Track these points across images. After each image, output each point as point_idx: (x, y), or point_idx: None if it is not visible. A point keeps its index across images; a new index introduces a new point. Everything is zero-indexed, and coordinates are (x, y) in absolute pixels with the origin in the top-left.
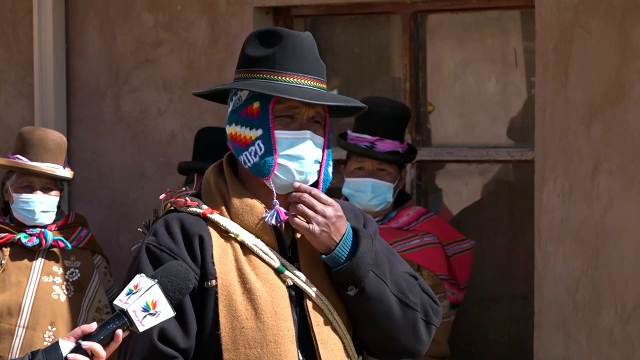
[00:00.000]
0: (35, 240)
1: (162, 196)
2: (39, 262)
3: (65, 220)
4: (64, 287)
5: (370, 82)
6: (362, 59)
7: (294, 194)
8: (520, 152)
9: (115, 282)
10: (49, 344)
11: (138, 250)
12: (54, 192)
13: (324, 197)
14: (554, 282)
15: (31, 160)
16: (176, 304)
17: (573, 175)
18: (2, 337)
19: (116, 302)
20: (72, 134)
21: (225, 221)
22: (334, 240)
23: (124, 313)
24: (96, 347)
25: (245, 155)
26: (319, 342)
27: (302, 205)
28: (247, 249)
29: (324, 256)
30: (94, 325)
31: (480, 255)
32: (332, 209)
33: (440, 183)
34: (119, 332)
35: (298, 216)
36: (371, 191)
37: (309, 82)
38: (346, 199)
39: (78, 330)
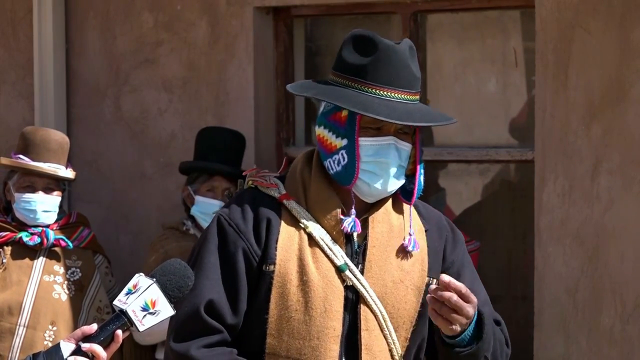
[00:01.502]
0: (37, 239)
1: (246, 172)
2: (40, 261)
3: (67, 220)
4: (65, 286)
5: None
6: None
7: (443, 293)
8: (520, 152)
9: (117, 282)
10: (49, 343)
11: (212, 219)
12: (55, 192)
13: (468, 293)
14: (554, 282)
15: (33, 160)
16: (175, 302)
17: (573, 175)
18: (3, 336)
19: (115, 302)
20: (72, 134)
21: (298, 209)
22: (464, 329)
23: (123, 313)
24: (96, 348)
25: (330, 162)
26: (363, 347)
27: (447, 309)
28: (313, 241)
29: (447, 339)
30: (94, 327)
31: (481, 255)
32: (472, 307)
33: (441, 183)
34: (119, 332)
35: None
36: None
37: (399, 95)
38: None
39: (78, 332)
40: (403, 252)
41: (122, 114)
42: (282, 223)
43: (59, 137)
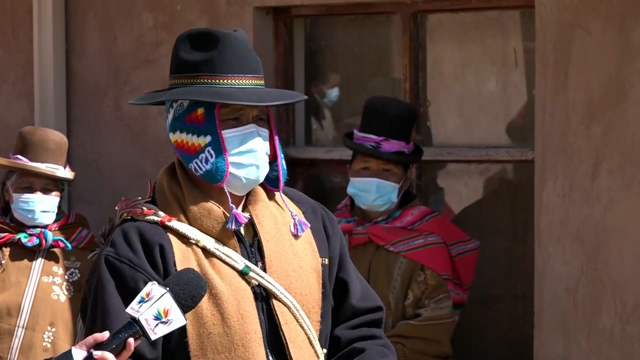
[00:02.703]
0: (35, 240)
1: (117, 206)
2: (39, 262)
3: (66, 220)
4: (63, 287)
5: (370, 82)
6: (362, 59)
7: None
8: (520, 152)
9: None
10: (48, 344)
11: (96, 263)
12: (54, 193)
13: None
14: (554, 282)
15: (31, 160)
16: (188, 311)
17: (573, 175)
18: (2, 337)
19: (128, 310)
20: (72, 134)
21: (184, 227)
22: None
23: (135, 321)
24: (108, 356)
25: (196, 163)
26: (288, 341)
27: None
28: (209, 254)
29: None
30: (106, 334)
31: (481, 255)
32: None
33: (440, 183)
34: (131, 340)
35: None
36: (376, 191)
37: (250, 81)
38: (351, 199)
39: (90, 339)
40: (292, 238)
41: (122, 114)
42: (174, 244)
43: (57, 137)
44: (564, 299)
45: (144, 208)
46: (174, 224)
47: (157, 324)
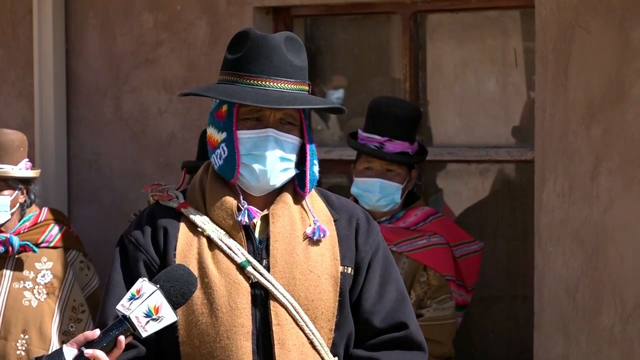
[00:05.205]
0: (2, 248)
1: (144, 188)
2: (9, 269)
3: (36, 220)
4: (35, 291)
5: (370, 82)
6: (362, 59)
7: None
8: (520, 152)
9: (94, 275)
10: (22, 352)
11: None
12: (7, 192)
13: None
14: (554, 282)
15: None
16: (179, 308)
17: (573, 175)
18: None
19: (118, 307)
20: (72, 134)
21: (194, 216)
22: None
23: (126, 319)
24: (99, 354)
25: (214, 157)
26: (275, 342)
27: None
28: (213, 244)
29: None
30: (97, 332)
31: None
32: None
33: (440, 183)
34: (122, 338)
35: None
36: (379, 191)
37: (274, 84)
38: (355, 199)
39: (81, 337)
40: (308, 242)
41: (122, 114)
42: (181, 230)
43: (2, 137)
44: (564, 299)
45: (167, 193)
46: (188, 210)
47: (147, 321)
